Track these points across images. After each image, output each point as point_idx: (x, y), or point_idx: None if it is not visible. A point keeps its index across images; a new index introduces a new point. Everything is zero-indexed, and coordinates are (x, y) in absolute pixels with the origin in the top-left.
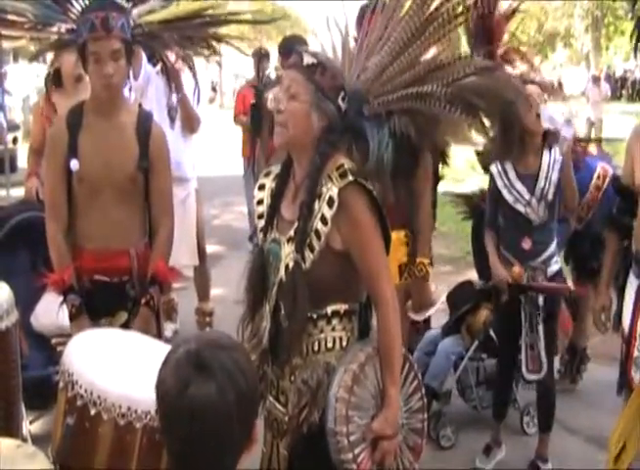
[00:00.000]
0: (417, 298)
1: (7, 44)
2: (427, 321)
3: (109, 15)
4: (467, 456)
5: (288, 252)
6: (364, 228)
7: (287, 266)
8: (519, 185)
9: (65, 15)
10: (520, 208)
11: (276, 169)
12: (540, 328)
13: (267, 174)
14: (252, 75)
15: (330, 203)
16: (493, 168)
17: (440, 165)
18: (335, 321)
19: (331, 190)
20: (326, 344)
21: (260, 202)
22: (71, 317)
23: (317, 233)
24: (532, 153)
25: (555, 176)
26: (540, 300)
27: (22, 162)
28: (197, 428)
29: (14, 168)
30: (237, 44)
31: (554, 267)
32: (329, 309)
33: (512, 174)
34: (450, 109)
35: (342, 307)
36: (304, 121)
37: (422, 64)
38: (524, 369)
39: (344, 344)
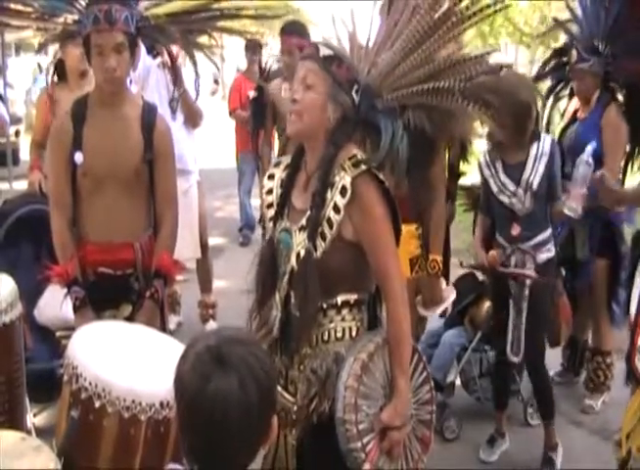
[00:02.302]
0: (427, 294)
1: (10, 37)
2: None
3: (112, 7)
4: (470, 448)
5: (299, 240)
6: (375, 219)
7: (298, 255)
8: (503, 177)
9: (70, 5)
10: (504, 199)
11: (286, 160)
12: (524, 313)
13: (277, 165)
14: (245, 67)
15: (343, 192)
16: (481, 158)
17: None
18: (345, 311)
19: (344, 179)
20: (335, 333)
21: (270, 191)
22: (75, 310)
23: (329, 222)
24: (515, 144)
25: (541, 168)
26: (527, 284)
27: (25, 154)
28: (217, 423)
29: (16, 161)
30: (239, 37)
31: (545, 255)
32: (339, 299)
33: (499, 165)
34: (465, 104)
35: (351, 297)
36: (320, 112)
37: (436, 61)
38: (508, 350)
39: (354, 334)
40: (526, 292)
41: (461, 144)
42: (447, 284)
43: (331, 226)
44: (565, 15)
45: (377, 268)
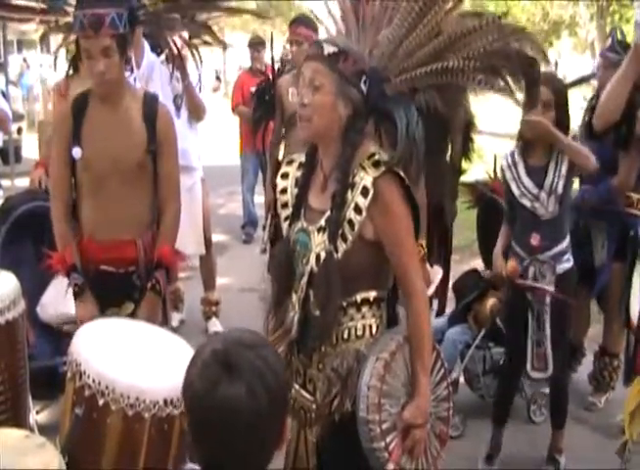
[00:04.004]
0: None
1: (12, 33)
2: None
3: (97, 12)
4: (474, 445)
5: (319, 241)
6: (398, 219)
7: (318, 256)
8: (526, 179)
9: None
10: (526, 202)
11: (299, 158)
12: (547, 326)
13: (290, 163)
14: (248, 64)
15: (364, 192)
16: (503, 161)
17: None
18: (364, 309)
19: (364, 179)
20: (356, 331)
21: (284, 190)
22: (75, 296)
23: (350, 223)
24: (541, 144)
25: (564, 168)
26: (548, 296)
27: (27, 152)
28: (227, 429)
29: (18, 159)
30: (239, 15)
31: (565, 265)
32: (358, 297)
33: (521, 167)
34: (476, 78)
35: (371, 295)
36: (331, 113)
37: (443, 34)
38: (529, 366)
39: (374, 331)
40: (548, 304)
41: (463, 141)
42: (432, 267)
43: (352, 227)
44: (566, 12)
45: (398, 267)
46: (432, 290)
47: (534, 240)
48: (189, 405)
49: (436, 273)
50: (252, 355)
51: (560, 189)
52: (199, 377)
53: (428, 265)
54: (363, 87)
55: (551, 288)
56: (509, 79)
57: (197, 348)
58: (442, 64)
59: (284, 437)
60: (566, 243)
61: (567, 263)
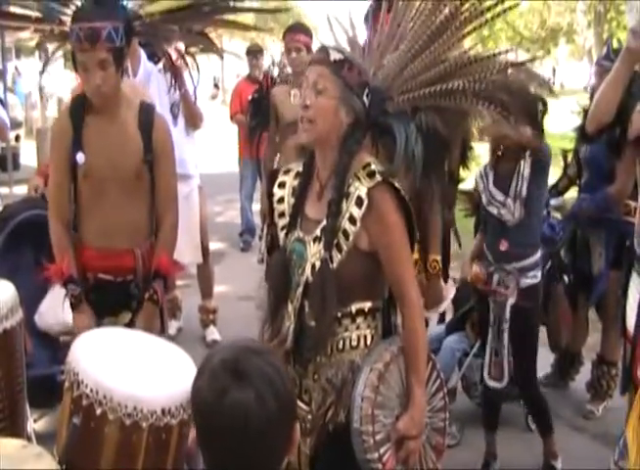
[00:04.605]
0: (430, 295)
1: (10, 40)
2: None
3: (93, 26)
4: (472, 453)
5: (314, 251)
6: (393, 230)
7: (313, 266)
8: (492, 188)
9: (66, 7)
10: (493, 210)
11: (297, 167)
12: (505, 336)
13: (287, 172)
14: (246, 72)
15: (359, 203)
16: (477, 172)
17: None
18: (359, 319)
19: (359, 190)
20: (351, 342)
21: (281, 200)
22: (73, 308)
23: (345, 233)
24: (506, 157)
25: (527, 171)
26: (508, 307)
27: (25, 159)
28: (237, 435)
29: (17, 166)
30: (236, 29)
31: (530, 281)
32: (353, 308)
33: (491, 177)
34: (478, 103)
35: (366, 305)
36: (333, 117)
37: (448, 61)
38: (485, 374)
39: (369, 342)
40: (507, 314)
41: (461, 150)
42: (446, 283)
43: (347, 237)
44: (564, 19)
45: (393, 278)
46: (444, 306)
47: (502, 246)
48: (197, 412)
49: (450, 289)
50: (262, 362)
51: (524, 192)
52: (208, 384)
53: (442, 281)
54: (366, 100)
55: (512, 299)
56: (510, 109)
57: (202, 358)
58: (446, 85)
59: (294, 442)
60: (536, 257)
61: (532, 279)
